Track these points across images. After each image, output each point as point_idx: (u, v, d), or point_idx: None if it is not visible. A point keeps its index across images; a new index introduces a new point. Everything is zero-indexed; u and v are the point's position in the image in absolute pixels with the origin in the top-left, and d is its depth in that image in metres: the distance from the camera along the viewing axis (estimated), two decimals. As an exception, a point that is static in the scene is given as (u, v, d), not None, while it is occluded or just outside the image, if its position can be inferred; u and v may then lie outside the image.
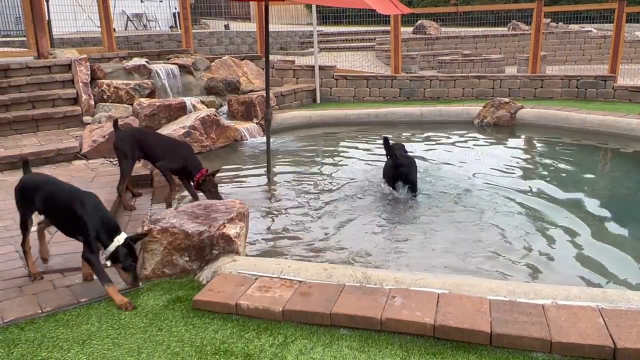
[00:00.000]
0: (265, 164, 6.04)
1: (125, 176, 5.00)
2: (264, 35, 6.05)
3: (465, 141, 7.86)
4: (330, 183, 5.87)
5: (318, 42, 12.04)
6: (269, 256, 4.01)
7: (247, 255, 3.75)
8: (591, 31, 18.62)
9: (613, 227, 4.51)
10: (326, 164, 6.87)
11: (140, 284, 3.35)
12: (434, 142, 7.86)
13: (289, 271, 3.30)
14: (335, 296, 3.01)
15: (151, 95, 8.51)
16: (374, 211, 5.00)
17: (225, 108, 8.93)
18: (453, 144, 7.73)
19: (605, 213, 4.82)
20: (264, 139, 6.29)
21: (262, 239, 4.41)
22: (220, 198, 4.95)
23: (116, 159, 6.62)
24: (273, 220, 4.83)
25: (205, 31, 17.70)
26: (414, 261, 3.94)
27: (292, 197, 5.41)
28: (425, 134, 8.38)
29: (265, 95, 6.12)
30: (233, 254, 3.56)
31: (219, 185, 5.14)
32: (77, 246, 3.82)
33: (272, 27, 17.45)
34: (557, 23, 19.67)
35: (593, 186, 5.56)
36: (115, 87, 8.31)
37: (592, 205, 5.04)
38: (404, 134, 8.53)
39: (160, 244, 3.45)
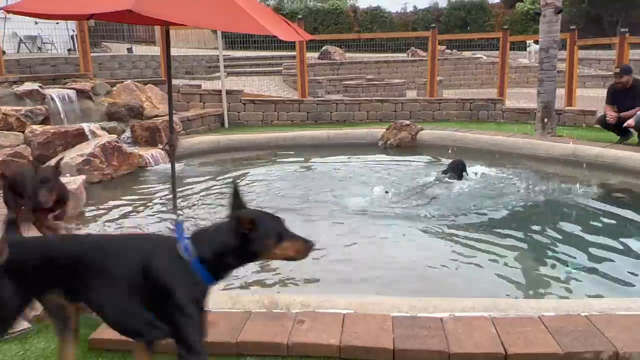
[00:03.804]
0: (171, 191, 5.88)
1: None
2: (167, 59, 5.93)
3: (370, 161, 8.14)
4: (239, 208, 5.80)
5: (225, 66, 12.01)
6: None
7: (150, 288, 3.59)
8: (481, 57, 20.18)
9: (506, 238, 4.83)
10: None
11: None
12: (341, 163, 8.08)
13: (193, 301, 3.20)
14: (242, 324, 2.96)
15: (45, 121, 8.01)
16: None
17: (128, 134, 8.61)
18: (358, 163, 7.99)
19: (499, 224, 5.17)
20: (170, 165, 6.13)
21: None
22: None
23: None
24: (179, 249, 4.68)
25: (106, 54, 17.04)
26: (329, 279, 3.99)
27: (198, 224, 5.28)
28: (333, 156, 8.58)
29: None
30: (134, 287, 3.41)
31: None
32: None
33: (178, 51, 17.24)
34: (452, 50, 21.12)
35: (486, 199, 5.95)
36: (4, 114, 7.73)
37: (486, 217, 5.38)
38: (312, 156, 8.67)
39: (53, 281, 3.22)
